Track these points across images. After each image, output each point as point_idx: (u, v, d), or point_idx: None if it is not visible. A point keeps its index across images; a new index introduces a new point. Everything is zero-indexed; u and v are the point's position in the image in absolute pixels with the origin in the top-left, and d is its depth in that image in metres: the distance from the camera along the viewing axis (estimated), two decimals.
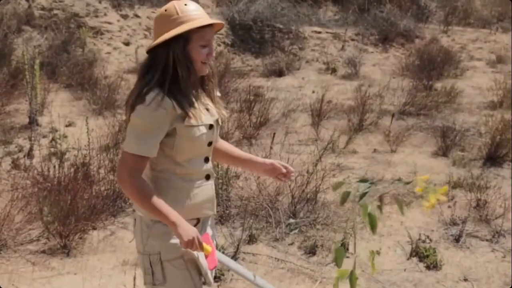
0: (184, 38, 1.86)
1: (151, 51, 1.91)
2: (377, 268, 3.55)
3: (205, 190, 2.01)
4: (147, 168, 1.94)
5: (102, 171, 4.59)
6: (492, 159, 5.53)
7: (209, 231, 2.07)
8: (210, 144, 2.00)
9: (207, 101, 2.01)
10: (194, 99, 1.93)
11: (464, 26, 13.41)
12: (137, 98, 1.86)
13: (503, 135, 5.60)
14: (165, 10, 1.90)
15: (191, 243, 1.83)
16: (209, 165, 2.03)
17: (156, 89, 1.85)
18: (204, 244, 1.88)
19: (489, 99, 8.02)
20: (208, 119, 1.96)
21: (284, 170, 2.13)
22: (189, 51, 1.87)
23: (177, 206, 1.91)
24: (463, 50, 11.58)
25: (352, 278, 1.59)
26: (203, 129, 1.93)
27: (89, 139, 4.73)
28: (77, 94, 7.38)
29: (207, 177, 2.02)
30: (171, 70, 1.86)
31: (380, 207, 1.55)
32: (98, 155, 4.78)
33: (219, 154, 2.17)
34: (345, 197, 1.57)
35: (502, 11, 14.24)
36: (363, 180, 1.67)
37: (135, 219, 2.05)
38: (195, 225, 1.98)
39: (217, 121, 2.02)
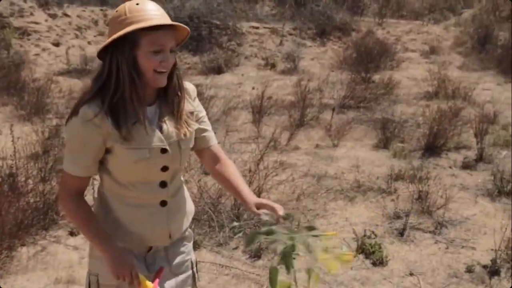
0: (131, 42, 1.58)
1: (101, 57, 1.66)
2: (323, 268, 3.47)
3: (158, 218, 1.75)
4: (100, 185, 1.78)
5: (30, 181, 4.28)
6: (431, 149, 5.60)
7: (165, 263, 1.82)
8: (165, 169, 1.71)
9: (168, 119, 1.71)
10: (141, 117, 1.63)
11: (398, 18, 13.70)
12: (74, 109, 1.63)
13: (440, 125, 5.68)
14: (116, 11, 1.64)
15: (122, 276, 1.63)
16: (167, 190, 1.75)
17: (95, 101, 1.60)
18: (143, 278, 1.65)
19: (424, 90, 8.18)
20: (158, 142, 1.67)
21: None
22: (136, 57, 1.59)
23: (118, 231, 1.72)
24: (398, 42, 11.80)
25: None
26: (146, 154, 1.64)
27: (14, 147, 4.42)
28: (3, 100, 6.95)
29: (163, 204, 1.76)
30: (113, 79, 1.59)
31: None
32: (26, 165, 4.46)
33: (217, 177, 1.91)
34: (252, 239, 1.31)
35: (433, 3, 14.65)
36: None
37: None
38: (146, 253, 1.79)
39: (178, 143, 1.71)
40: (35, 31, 9.14)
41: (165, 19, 1.62)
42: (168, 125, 1.70)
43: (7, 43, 8.43)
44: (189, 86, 1.81)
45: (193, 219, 3.93)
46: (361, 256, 3.61)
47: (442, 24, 13.15)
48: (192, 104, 1.80)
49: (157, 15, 1.61)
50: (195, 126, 1.78)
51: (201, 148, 1.88)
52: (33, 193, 4.10)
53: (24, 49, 8.69)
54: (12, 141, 4.35)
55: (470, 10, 13.66)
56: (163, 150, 1.68)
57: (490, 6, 12.94)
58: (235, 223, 4.05)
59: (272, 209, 1.67)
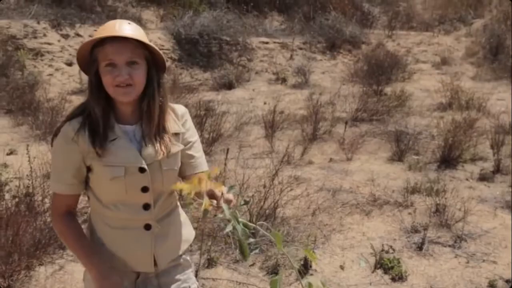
0: (93, 59, 1.59)
1: None
2: (342, 284, 3.43)
3: (141, 242, 1.70)
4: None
5: (47, 200, 4.30)
6: (446, 161, 5.55)
7: None
8: (145, 189, 1.66)
9: (150, 138, 1.66)
10: (118, 133, 1.62)
11: (408, 30, 13.70)
12: (58, 127, 1.64)
13: (455, 137, 5.64)
14: None
15: None
16: (150, 213, 1.69)
17: (78, 118, 1.63)
18: None
19: (437, 101, 8.14)
20: (134, 160, 1.63)
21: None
22: (98, 73, 1.59)
23: (102, 253, 1.70)
24: (409, 53, 11.79)
25: None
26: (121, 171, 1.60)
27: (31, 167, 4.44)
28: (18, 120, 7.01)
29: (147, 227, 1.70)
30: (93, 96, 1.63)
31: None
32: (43, 184, 4.48)
33: None
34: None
35: (443, 14, 14.63)
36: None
37: None
38: (135, 279, 1.76)
39: (159, 163, 1.66)
40: (48, 52, 9.25)
41: (120, 32, 1.56)
42: (149, 145, 1.66)
43: (21, 64, 8.54)
44: (178, 108, 1.78)
45: (209, 235, 3.95)
46: (379, 271, 3.56)
47: (453, 34, 13.13)
48: (179, 126, 1.74)
49: (109, 31, 1.56)
50: (178, 147, 1.71)
51: (186, 174, 1.78)
52: (50, 212, 4.12)
53: (38, 69, 8.80)
54: (29, 160, 4.38)
55: (481, 20, 13.63)
56: (142, 170, 1.63)
57: (501, 15, 12.90)
58: (251, 239, 4.05)
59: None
